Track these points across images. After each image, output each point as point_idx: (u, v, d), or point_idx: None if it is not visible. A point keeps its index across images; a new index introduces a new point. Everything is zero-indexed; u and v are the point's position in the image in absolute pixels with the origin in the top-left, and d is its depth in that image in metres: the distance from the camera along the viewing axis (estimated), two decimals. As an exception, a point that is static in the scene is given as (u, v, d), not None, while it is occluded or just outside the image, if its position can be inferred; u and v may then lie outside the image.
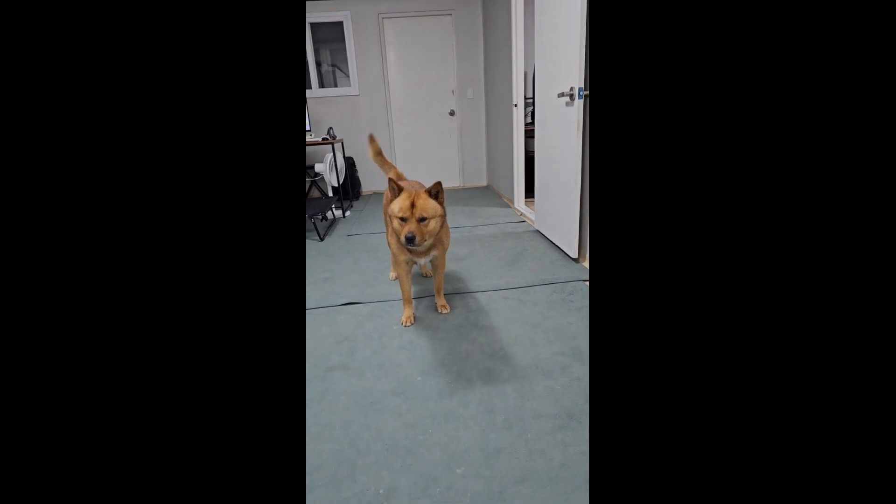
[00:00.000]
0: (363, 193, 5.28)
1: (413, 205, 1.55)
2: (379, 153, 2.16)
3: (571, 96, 2.22)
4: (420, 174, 5.29)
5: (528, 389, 1.38)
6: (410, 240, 1.51)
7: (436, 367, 1.54)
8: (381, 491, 1.04)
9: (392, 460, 1.13)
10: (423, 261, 1.78)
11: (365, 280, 2.41)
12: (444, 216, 1.63)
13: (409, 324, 1.86)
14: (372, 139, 2.17)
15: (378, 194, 5.23)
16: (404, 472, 1.09)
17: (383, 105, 5.02)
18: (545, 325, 1.78)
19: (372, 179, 5.28)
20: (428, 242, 1.63)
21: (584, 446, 1.13)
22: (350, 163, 4.87)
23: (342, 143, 4.46)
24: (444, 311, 1.96)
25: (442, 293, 2.00)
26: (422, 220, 1.54)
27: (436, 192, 1.58)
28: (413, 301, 2.03)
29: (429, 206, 1.56)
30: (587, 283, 2.17)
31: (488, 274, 2.39)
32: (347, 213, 4.16)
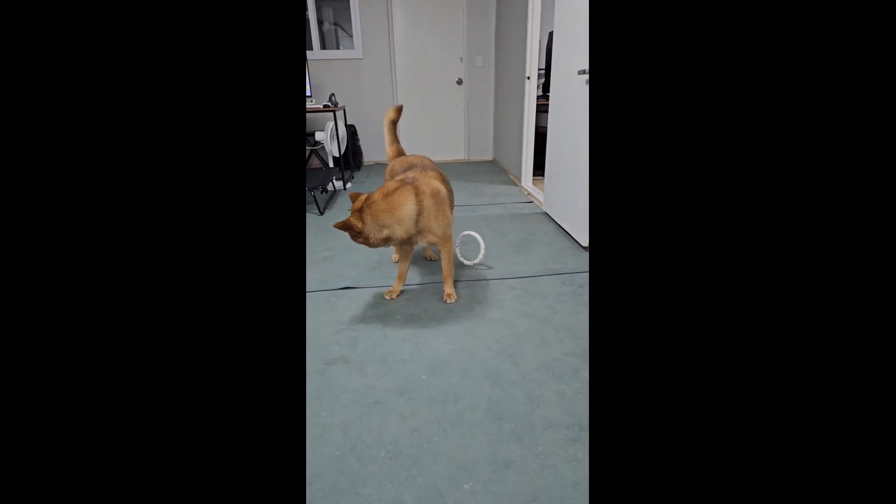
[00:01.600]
0: (365, 163, 5.12)
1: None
2: (395, 122, 2.15)
3: (594, 74, 2.07)
4: (424, 146, 5.11)
5: (538, 394, 1.32)
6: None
7: (441, 365, 1.47)
8: (384, 505, 0.99)
9: (396, 471, 1.07)
10: (418, 246, 1.83)
11: (366, 261, 2.32)
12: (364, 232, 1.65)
13: (391, 297, 1.91)
14: (398, 109, 2.17)
15: (381, 165, 5.06)
16: (409, 486, 1.03)
17: (388, 70, 4.77)
18: (555, 321, 1.71)
19: (374, 149, 5.10)
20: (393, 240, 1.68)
21: (598, 463, 1.07)
22: (352, 131, 4.68)
23: (344, 111, 4.26)
24: (450, 301, 1.87)
25: (450, 281, 1.90)
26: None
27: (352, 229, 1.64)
28: (406, 277, 2.02)
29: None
30: (598, 275, 2.08)
31: (495, 260, 2.30)
32: (348, 186, 4.03)
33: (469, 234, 2.34)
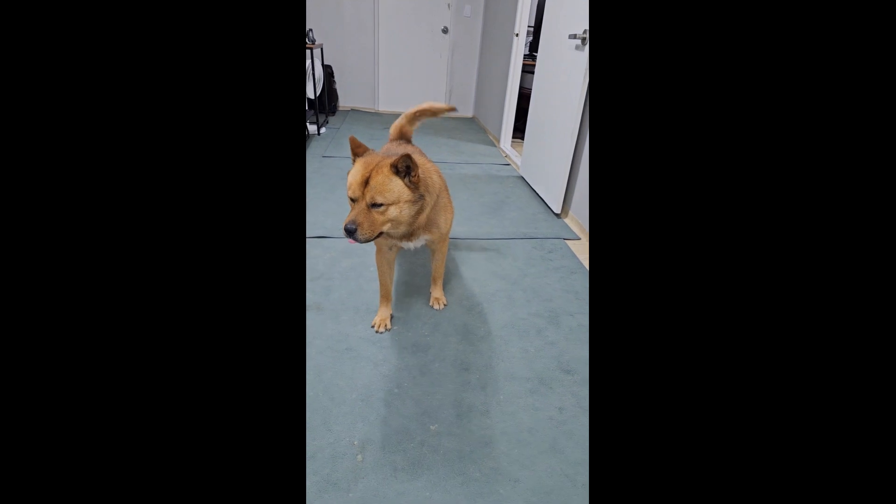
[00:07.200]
0: (340, 108, 4.91)
1: (367, 182, 1.07)
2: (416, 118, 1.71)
3: (584, 40, 2.05)
4: (403, 95, 4.94)
5: (503, 350, 1.41)
6: (350, 232, 1.05)
7: (412, 318, 1.53)
8: (355, 442, 1.06)
9: (366, 411, 1.14)
10: (410, 246, 1.33)
11: (341, 210, 2.30)
12: (416, 201, 1.14)
13: (382, 329, 1.44)
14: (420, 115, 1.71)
15: (357, 111, 4.87)
16: (378, 425, 1.11)
17: (370, 8, 4.50)
18: (523, 283, 1.79)
19: (351, 94, 4.88)
20: (398, 231, 1.19)
21: (553, 412, 1.18)
22: (328, 72, 4.44)
23: (322, 49, 4.03)
24: (438, 307, 1.59)
25: (440, 284, 1.61)
26: (375, 205, 1.08)
27: (405, 167, 1.08)
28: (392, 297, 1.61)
29: (388, 186, 1.07)
30: (568, 242, 2.18)
31: (469, 220, 2.34)
32: (322, 131, 3.88)
33: None
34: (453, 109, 1.78)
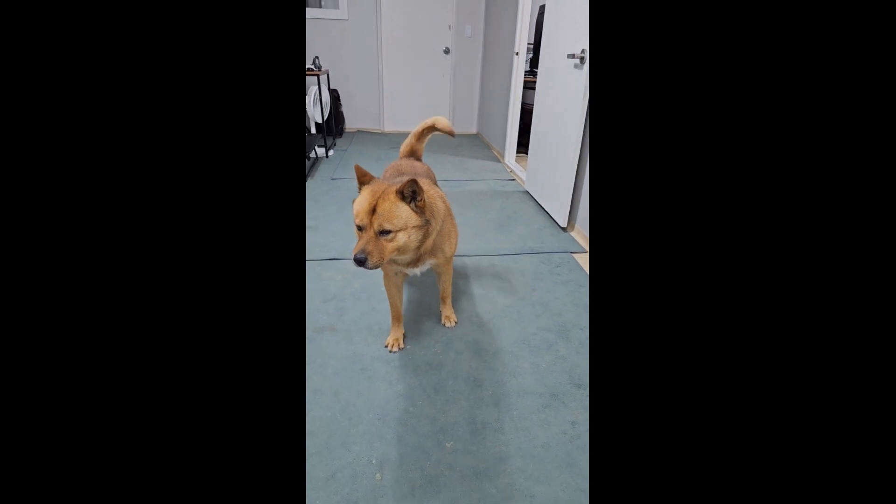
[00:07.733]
0: (347, 130, 5.03)
1: (374, 210, 1.08)
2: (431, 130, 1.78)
3: (582, 59, 2.11)
4: (407, 115, 5.05)
5: (514, 365, 1.43)
6: (360, 262, 1.04)
7: (425, 336, 1.56)
8: (373, 461, 1.08)
9: (384, 430, 1.17)
10: (416, 272, 1.33)
11: (350, 231, 2.36)
12: (423, 226, 1.15)
13: (396, 348, 1.49)
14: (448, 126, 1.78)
15: (364, 132, 4.98)
16: (396, 444, 1.13)
17: (373, 33, 4.63)
18: (532, 298, 1.81)
19: (357, 116, 5.00)
20: (406, 257, 1.20)
21: (566, 426, 1.20)
22: (335, 96, 4.57)
23: (328, 75, 4.15)
24: (449, 324, 1.62)
25: (449, 302, 1.64)
26: (384, 232, 1.09)
27: (411, 192, 1.09)
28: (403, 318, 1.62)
29: (395, 213, 1.07)
30: (575, 255, 2.20)
31: (477, 236, 2.38)
32: (331, 153, 3.98)
33: None
34: (453, 135, 1.81)
